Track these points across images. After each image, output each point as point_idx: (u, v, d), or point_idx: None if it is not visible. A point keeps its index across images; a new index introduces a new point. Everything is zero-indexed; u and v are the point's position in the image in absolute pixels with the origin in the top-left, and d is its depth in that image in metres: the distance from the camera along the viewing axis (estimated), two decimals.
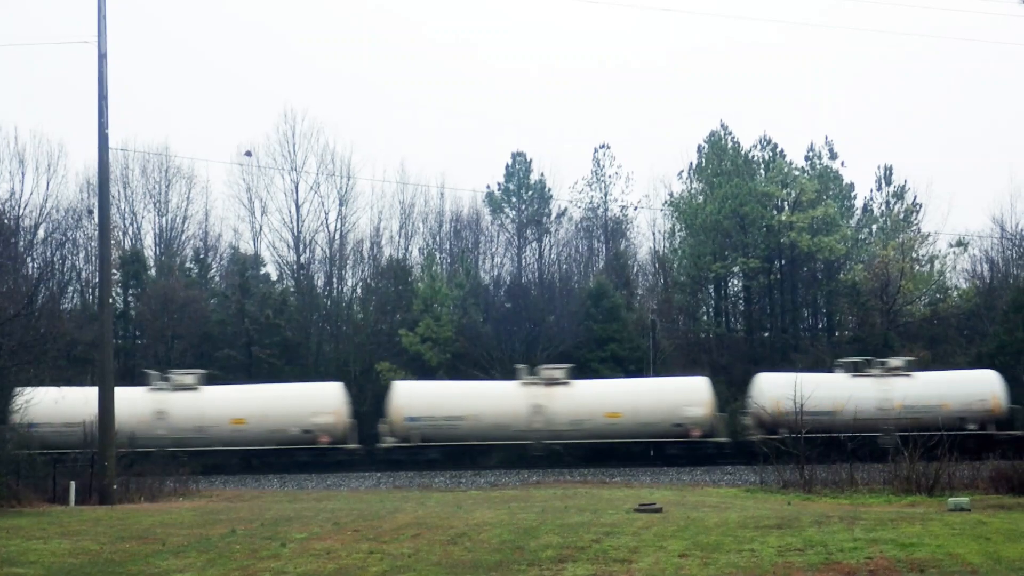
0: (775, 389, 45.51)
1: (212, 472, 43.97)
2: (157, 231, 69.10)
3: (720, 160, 69.43)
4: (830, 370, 49.83)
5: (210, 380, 49.21)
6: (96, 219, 45.60)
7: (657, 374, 54.74)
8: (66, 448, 43.71)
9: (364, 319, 65.46)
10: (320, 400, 47.53)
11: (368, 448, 47.41)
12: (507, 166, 70.81)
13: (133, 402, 46.05)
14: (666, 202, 72.40)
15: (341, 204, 67.69)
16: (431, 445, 46.33)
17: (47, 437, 43.64)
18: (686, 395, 47.36)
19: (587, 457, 46.59)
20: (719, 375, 53.58)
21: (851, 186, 72.51)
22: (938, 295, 66.71)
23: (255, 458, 46.31)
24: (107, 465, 33.37)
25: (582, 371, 53.21)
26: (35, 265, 57.71)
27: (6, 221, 51.91)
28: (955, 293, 67.51)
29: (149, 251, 68.09)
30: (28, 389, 43.06)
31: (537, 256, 71.08)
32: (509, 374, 54.34)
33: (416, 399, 47.58)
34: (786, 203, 67.18)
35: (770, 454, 35.65)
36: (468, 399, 47.74)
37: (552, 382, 47.77)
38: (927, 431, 35.57)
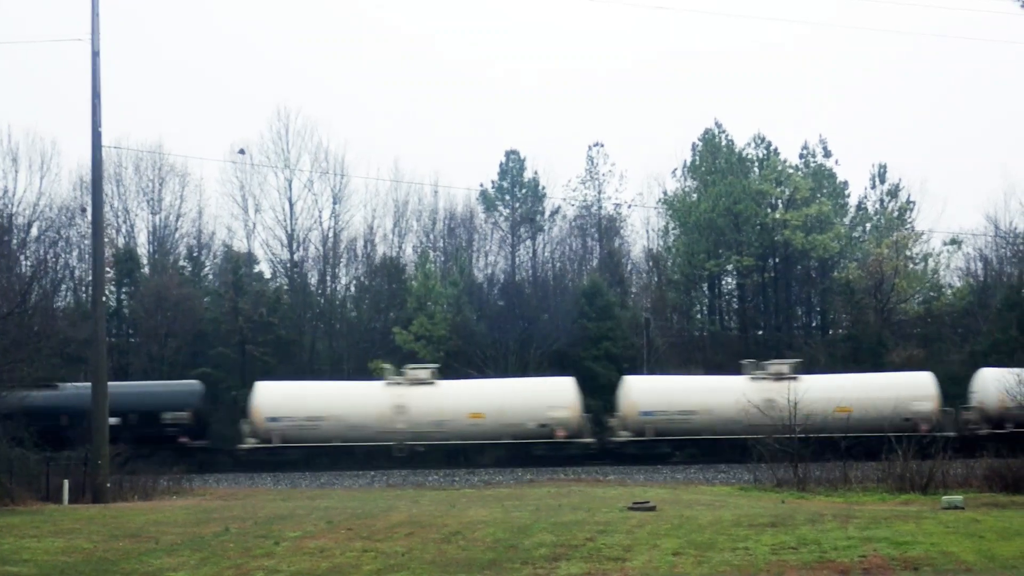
0: (1000, 384, 45.54)
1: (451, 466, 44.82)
2: (150, 229, 68.94)
3: (714, 158, 69.46)
4: None
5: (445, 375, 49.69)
6: (89, 217, 45.62)
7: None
8: (306, 442, 44.90)
9: (358, 317, 65.44)
10: (556, 394, 47.44)
11: (602, 442, 47.49)
12: (501, 164, 70.76)
13: (372, 397, 47.22)
14: (660, 200, 72.41)
15: (335, 202, 67.65)
16: (664, 439, 46.37)
17: (287, 431, 44.89)
18: (913, 391, 47.00)
19: (817, 452, 46.78)
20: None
21: (845, 184, 72.53)
22: (932, 293, 66.71)
23: (494, 451, 46.48)
24: (101, 463, 33.28)
25: (575, 370, 53.14)
26: (28, 263, 57.40)
27: None
28: (949, 291, 67.56)
29: (142, 249, 67.95)
30: (264, 384, 47.04)
31: (531, 254, 71.15)
32: (502, 372, 54.27)
33: (650, 393, 47.61)
34: (780, 201, 67.28)
35: (764, 452, 35.61)
36: (700, 393, 47.72)
37: (780, 377, 47.33)
38: None
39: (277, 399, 46.65)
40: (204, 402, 49.23)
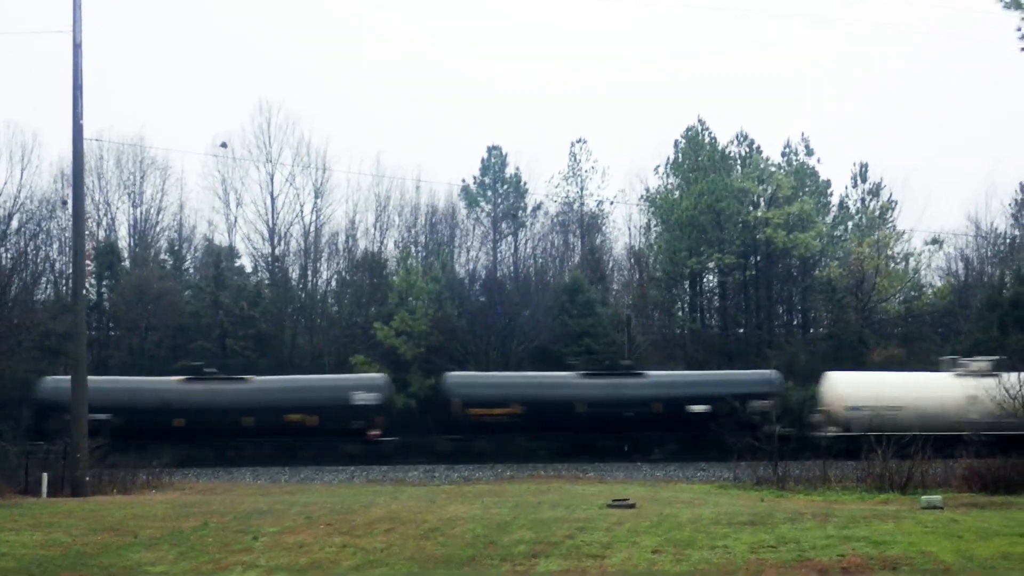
0: None
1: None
2: (131, 222, 68.83)
3: (697, 155, 69.39)
4: None
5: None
6: (70, 210, 45.32)
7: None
8: (883, 431, 44.88)
9: (339, 312, 65.37)
10: None
11: None
12: (482, 160, 70.80)
13: (945, 388, 47.27)
14: (642, 197, 72.46)
15: (316, 196, 67.60)
16: None
17: (868, 420, 44.82)
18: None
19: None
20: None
21: (827, 183, 72.43)
22: (913, 293, 66.87)
23: None
24: (79, 457, 33.12)
25: (557, 366, 53.10)
26: (8, 256, 57.33)
27: None
28: (930, 291, 67.75)
29: (123, 242, 67.78)
30: (838, 374, 48.60)
31: (512, 250, 71.14)
32: (483, 368, 54.21)
33: None
34: (762, 199, 67.26)
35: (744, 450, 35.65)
36: None
37: None
38: None
39: (855, 388, 47.07)
40: (785, 390, 50.05)
